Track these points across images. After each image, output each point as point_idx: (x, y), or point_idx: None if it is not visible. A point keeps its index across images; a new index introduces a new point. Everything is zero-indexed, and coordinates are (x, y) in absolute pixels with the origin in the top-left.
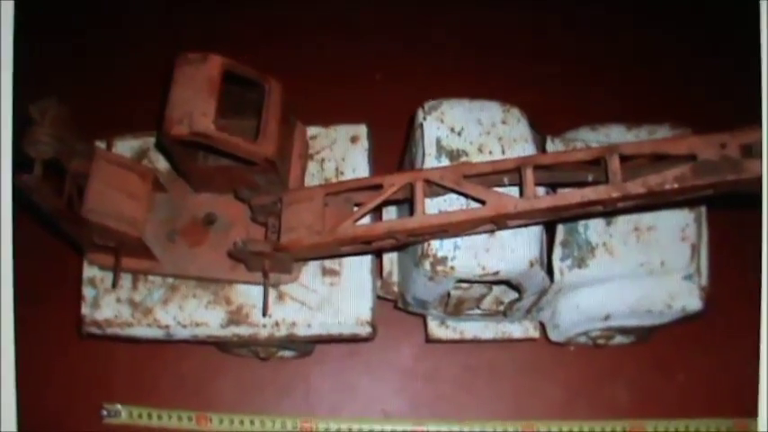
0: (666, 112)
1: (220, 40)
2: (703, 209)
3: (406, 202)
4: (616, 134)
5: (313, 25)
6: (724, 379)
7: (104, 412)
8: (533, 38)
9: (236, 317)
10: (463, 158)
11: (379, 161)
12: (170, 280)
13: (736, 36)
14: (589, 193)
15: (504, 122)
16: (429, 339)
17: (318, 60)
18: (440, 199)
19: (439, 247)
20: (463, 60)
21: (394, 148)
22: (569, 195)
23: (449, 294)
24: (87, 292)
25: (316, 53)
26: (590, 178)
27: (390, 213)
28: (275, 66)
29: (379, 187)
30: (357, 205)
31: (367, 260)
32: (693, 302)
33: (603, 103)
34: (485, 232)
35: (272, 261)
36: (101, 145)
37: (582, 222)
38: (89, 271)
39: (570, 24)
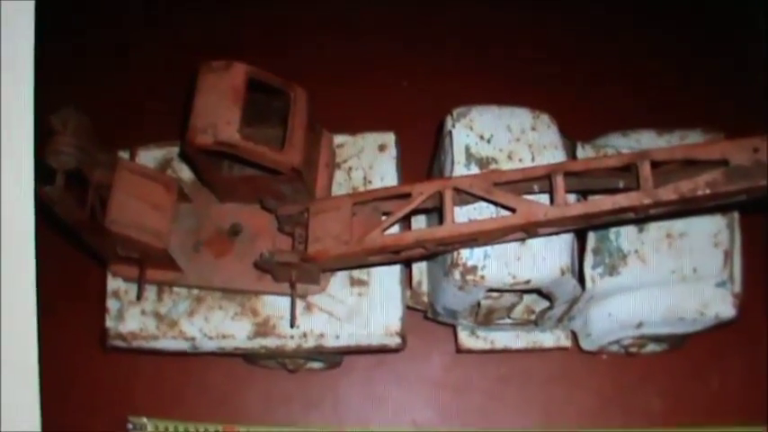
0: (698, 116)
1: (247, 47)
2: (736, 214)
3: (436, 211)
4: (647, 140)
5: (337, 31)
6: (759, 385)
7: (130, 425)
8: (563, 43)
9: (263, 328)
10: (493, 166)
11: (407, 169)
12: (195, 291)
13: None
14: (620, 200)
15: (533, 129)
16: (459, 349)
17: (345, 67)
18: (469, 207)
19: (469, 256)
20: (492, 66)
21: (422, 155)
22: (600, 202)
23: (479, 304)
24: (111, 304)
25: (342, 60)
26: (621, 185)
27: (419, 222)
28: (300, 72)
29: (407, 196)
30: (385, 214)
31: (396, 270)
32: (727, 310)
33: (634, 108)
34: (515, 241)
35: (300, 271)
36: (124, 155)
37: (613, 229)
38: (113, 283)
39: (599, 30)
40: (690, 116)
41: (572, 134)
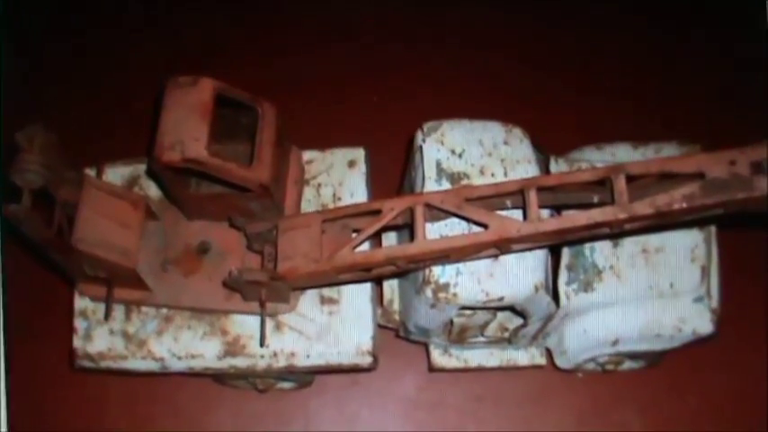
0: (673, 128)
1: (214, 62)
2: (713, 228)
3: (407, 228)
4: (622, 153)
5: (307, 45)
6: (739, 401)
7: None
8: (534, 55)
9: (232, 348)
10: (464, 181)
11: (377, 185)
12: (164, 311)
13: (744, 50)
14: (595, 215)
15: (506, 143)
16: (432, 368)
17: (315, 82)
18: (441, 224)
19: (441, 273)
20: (463, 80)
21: (393, 171)
22: (575, 218)
23: (452, 322)
24: (79, 324)
25: (311, 74)
26: (596, 199)
27: (390, 239)
28: (269, 87)
29: (377, 212)
30: (355, 231)
31: (367, 288)
32: (704, 325)
33: (608, 121)
34: (488, 257)
35: (269, 290)
36: (90, 173)
37: (588, 245)
38: (80, 302)
39: (572, 40)
40: (698, 133)
41: (545, 148)
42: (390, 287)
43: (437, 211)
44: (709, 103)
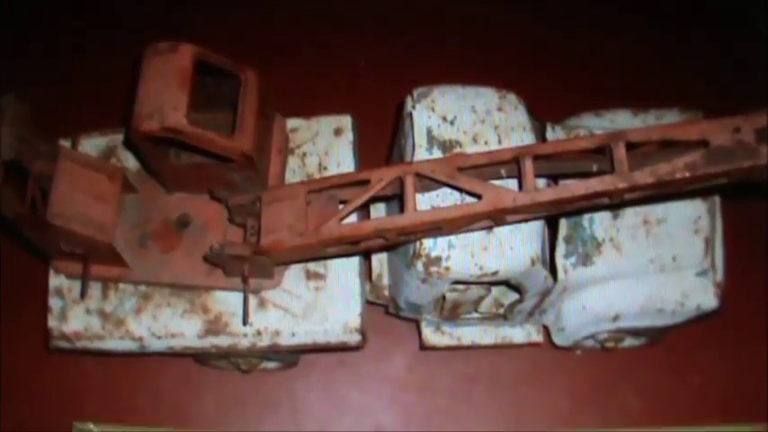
0: (675, 94)
1: (190, 27)
2: (717, 199)
3: (396, 199)
4: (622, 120)
5: (290, 8)
6: (743, 382)
7: None
8: (529, 19)
9: (214, 326)
10: (457, 149)
11: (365, 154)
12: (142, 288)
13: (749, 10)
14: (594, 185)
15: (500, 110)
16: (423, 347)
17: (297, 47)
18: (432, 194)
19: (432, 246)
20: (453, 44)
21: (381, 140)
22: (572, 187)
23: (444, 297)
24: (54, 303)
25: (294, 39)
26: (594, 168)
27: (379, 211)
28: (251, 53)
29: (365, 183)
30: (342, 203)
31: (354, 262)
32: (708, 300)
33: (607, 87)
34: (481, 229)
35: (252, 265)
36: (65, 144)
37: (586, 216)
38: (55, 280)
39: (566, 7)
40: (701, 99)
41: (541, 115)
42: (379, 261)
43: (428, 181)
44: (711, 67)
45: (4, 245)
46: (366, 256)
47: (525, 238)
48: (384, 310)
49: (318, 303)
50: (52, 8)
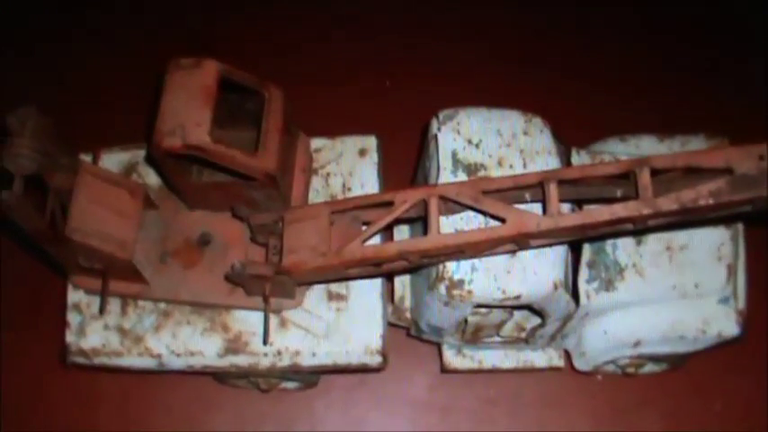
0: (701, 121)
1: (217, 44)
2: (740, 226)
3: (420, 221)
4: (647, 145)
5: (317, 28)
6: (765, 407)
7: None
8: (555, 43)
9: (234, 345)
10: (481, 173)
11: (389, 176)
12: (162, 305)
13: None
14: (618, 210)
15: (525, 133)
16: (445, 369)
17: (323, 66)
18: (456, 217)
19: (455, 269)
20: (480, 66)
21: (406, 161)
22: (596, 212)
23: (466, 320)
24: (72, 318)
25: (320, 58)
26: (619, 194)
27: (402, 233)
28: (276, 72)
29: (389, 204)
30: (366, 224)
31: (377, 284)
32: (730, 327)
33: (633, 112)
34: (505, 253)
35: (274, 285)
36: (86, 158)
37: (610, 242)
38: (74, 295)
39: (594, 30)
40: (726, 126)
41: (567, 139)
42: (402, 283)
43: (452, 204)
44: (738, 96)
45: (20, 257)
46: (389, 277)
47: (548, 263)
48: (406, 332)
49: (340, 324)
50: (78, 21)
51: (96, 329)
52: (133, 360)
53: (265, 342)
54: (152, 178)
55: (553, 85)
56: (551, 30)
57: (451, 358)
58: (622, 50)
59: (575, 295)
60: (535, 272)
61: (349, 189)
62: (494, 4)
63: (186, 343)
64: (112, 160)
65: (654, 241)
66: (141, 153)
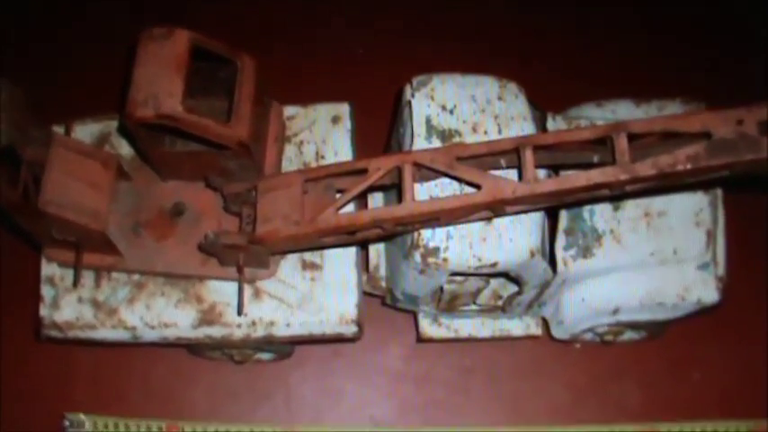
0: (677, 85)
1: (188, 13)
2: (719, 192)
3: (394, 188)
4: (623, 110)
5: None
6: (743, 378)
7: (66, 423)
8: (530, 8)
9: (208, 316)
10: (456, 139)
11: (363, 143)
12: (136, 277)
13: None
14: (595, 176)
15: (500, 99)
16: (420, 338)
17: (295, 34)
18: (431, 184)
19: (430, 236)
20: (454, 32)
21: (379, 128)
22: (573, 178)
23: (442, 289)
24: (46, 291)
25: (292, 26)
26: (595, 159)
27: (376, 200)
28: (248, 40)
29: (363, 172)
30: (339, 192)
31: (351, 252)
32: (709, 294)
33: (609, 77)
34: (481, 220)
35: (247, 255)
36: (59, 130)
37: (587, 208)
38: (47, 268)
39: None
40: (703, 90)
41: (542, 104)
42: (376, 251)
43: (427, 171)
44: (714, 59)
45: None
46: (363, 246)
47: (525, 230)
48: (381, 301)
49: (314, 294)
50: None
51: (70, 302)
52: (107, 333)
53: (240, 313)
54: (125, 149)
55: (528, 51)
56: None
57: (427, 327)
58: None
59: (552, 262)
60: (511, 239)
61: (322, 157)
62: None
63: (160, 315)
64: (85, 131)
65: (632, 207)
66: (114, 124)
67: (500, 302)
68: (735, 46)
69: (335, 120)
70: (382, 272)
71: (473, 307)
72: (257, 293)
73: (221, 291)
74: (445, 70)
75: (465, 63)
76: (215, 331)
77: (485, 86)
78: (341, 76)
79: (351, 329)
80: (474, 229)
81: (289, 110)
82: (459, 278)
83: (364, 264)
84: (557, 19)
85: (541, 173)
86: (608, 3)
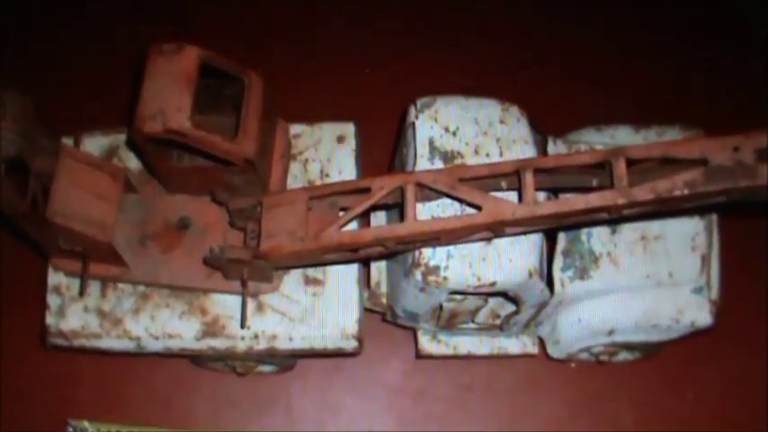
0: (676, 112)
1: (197, 29)
2: (714, 217)
3: (396, 207)
4: (623, 136)
5: (296, 14)
6: (736, 397)
7: (70, 429)
8: (533, 31)
9: (211, 328)
10: (458, 160)
11: (367, 162)
12: (141, 288)
13: (751, 30)
14: (593, 199)
15: (502, 122)
16: (420, 355)
17: (302, 53)
18: (432, 204)
19: (431, 255)
20: (459, 55)
21: (384, 148)
22: (572, 201)
23: (441, 307)
24: (52, 300)
25: (300, 45)
26: (594, 183)
27: (379, 219)
28: (256, 58)
29: (367, 190)
30: (343, 210)
31: (353, 269)
32: (703, 317)
33: (609, 103)
34: (481, 240)
35: (251, 269)
36: (68, 142)
37: (585, 230)
38: (54, 278)
39: (573, 19)
40: (702, 117)
41: (543, 128)
42: (378, 269)
43: (429, 191)
44: (713, 87)
45: (0, 240)
46: (365, 263)
47: (524, 251)
48: (381, 317)
49: (316, 309)
50: (59, 5)
51: (76, 312)
52: (112, 342)
53: (243, 325)
54: (133, 162)
55: (531, 75)
56: (530, 23)
57: (426, 344)
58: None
59: (549, 283)
60: (510, 259)
61: (327, 175)
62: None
63: (164, 326)
64: (94, 144)
65: (629, 230)
66: (122, 137)
67: (498, 321)
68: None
69: (341, 139)
70: (383, 288)
71: (472, 325)
72: (260, 307)
73: (225, 304)
74: (450, 92)
75: (469, 85)
76: (218, 343)
77: (487, 109)
78: (347, 96)
79: (351, 344)
80: (474, 249)
81: (294, 128)
82: (458, 297)
83: (366, 280)
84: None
85: (541, 195)
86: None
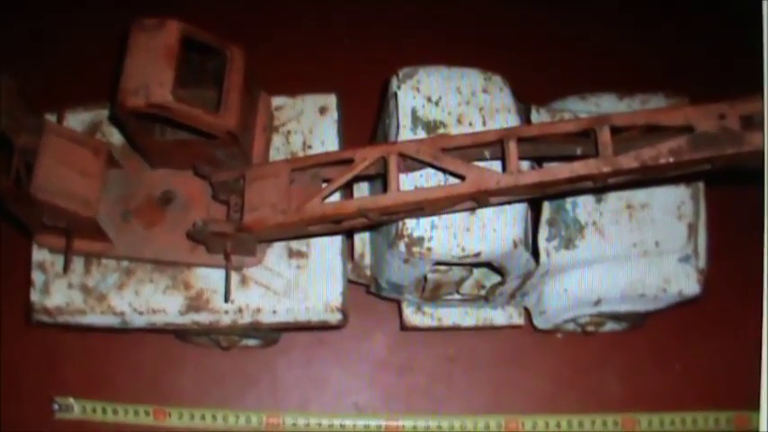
0: (661, 79)
1: (178, 4)
2: (701, 185)
3: (380, 178)
4: (607, 104)
5: None
6: (723, 369)
7: (56, 406)
8: (517, 1)
9: (195, 303)
10: (441, 130)
11: (349, 133)
12: (125, 263)
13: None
14: (578, 168)
15: (485, 91)
16: (404, 327)
17: (283, 25)
18: (416, 174)
19: (415, 226)
20: (441, 25)
21: (366, 119)
22: (556, 170)
23: (425, 278)
24: (36, 276)
25: (280, 17)
26: (579, 151)
27: (362, 190)
28: (237, 31)
29: (349, 162)
30: (326, 181)
31: (337, 241)
32: (690, 286)
33: (593, 71)
34: (464, 210)
35: (235, 242)
36: (51, 118)
37: (570, 200)
38: (38, 254)
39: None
40: (686, 85)
41: (527, 97)
42: (362, 240)
43: (412, 162)
44: (697, 54)
45: None
46: (348, 235)
47: (508, 221)
48: (365, 289)
49: (300, 282)
50: None
51: (60, 288)
52: (96, 318)
53: (227, 299)
54: (116, 137)
55: (513, 44)
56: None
57: (411, 316)
58: (582, 8)
59: (534, 253)
60: (495, 229)
61: (309, 147)
62: None
63: (149, 301)
64: (77, 120)
65: (614, 199)
66: (105, 113)
67: (483, 292)
68: (720, 40)
69: (322, 110)
70: (367, 260)
71: (456, 296)
72: (244, 281)
73: (209, 278)
74: (431, 62)
75: (451, 55)
76: (202, 317)
77: (470, 79)
78: (328, 67)
79: (336, 317)
80: (458, 219)
81: (276, 100)
82: (442, 267)
83: (350, 252)
84: (543, 11)
85: (525, 164)
86: None
